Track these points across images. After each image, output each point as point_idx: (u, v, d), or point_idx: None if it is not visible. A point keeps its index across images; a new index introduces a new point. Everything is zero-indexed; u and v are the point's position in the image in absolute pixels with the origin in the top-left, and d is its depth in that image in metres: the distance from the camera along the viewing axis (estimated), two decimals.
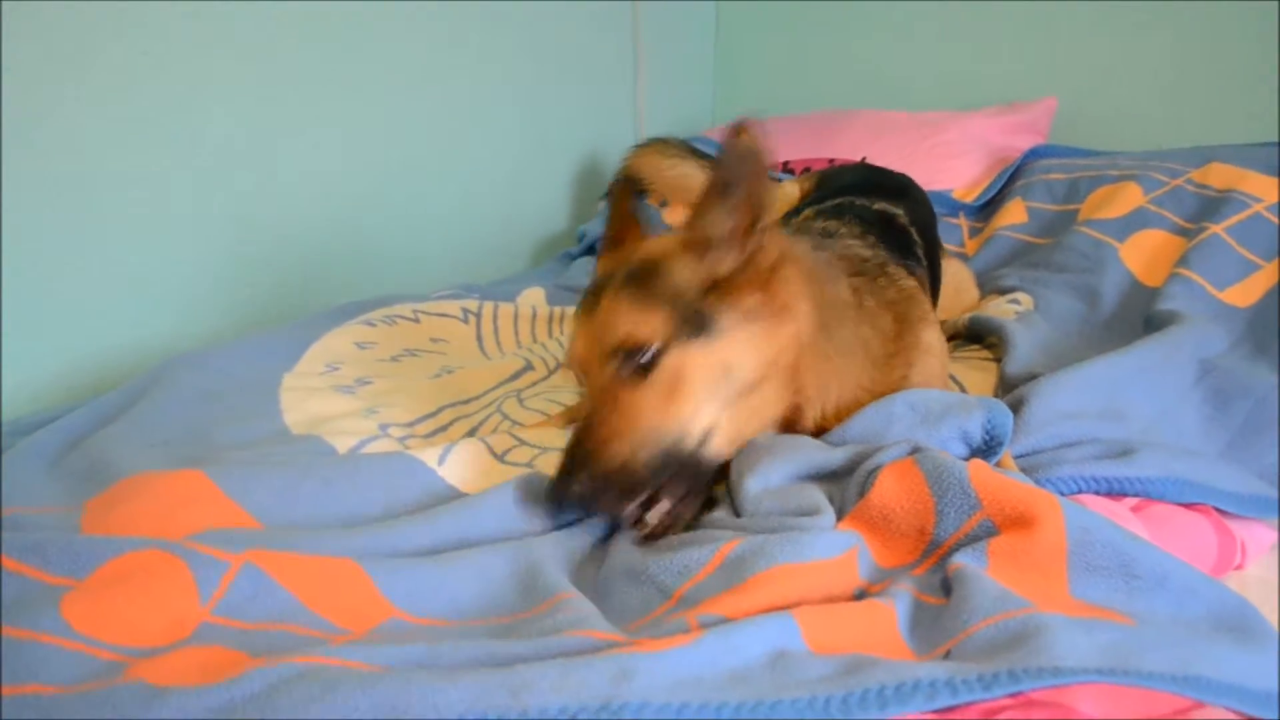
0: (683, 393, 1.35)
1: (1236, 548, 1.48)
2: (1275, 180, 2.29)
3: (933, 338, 1.74)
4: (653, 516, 1.31)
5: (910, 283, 1.75)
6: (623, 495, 1.28)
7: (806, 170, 3.14)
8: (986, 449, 1.43)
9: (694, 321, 1.37)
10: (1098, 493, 1.45)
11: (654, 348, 1.35)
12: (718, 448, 1.40)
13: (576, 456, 1.29)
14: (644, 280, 1.40)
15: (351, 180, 2.61)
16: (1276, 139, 2.53)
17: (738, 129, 1.34)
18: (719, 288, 1.41)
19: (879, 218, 2.01)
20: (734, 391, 1.40)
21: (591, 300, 1.44)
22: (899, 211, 2.08)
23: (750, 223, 1.41)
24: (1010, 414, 1.46)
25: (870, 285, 1.67)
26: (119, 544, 1.09)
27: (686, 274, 1.41)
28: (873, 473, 1.30)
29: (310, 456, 1.46)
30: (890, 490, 1.25)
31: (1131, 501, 1.46)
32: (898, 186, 2.45)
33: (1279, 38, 2.81)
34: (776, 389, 1.47)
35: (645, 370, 1.35)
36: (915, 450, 1.34)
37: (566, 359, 1.48)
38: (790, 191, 2.59)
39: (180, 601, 1.03)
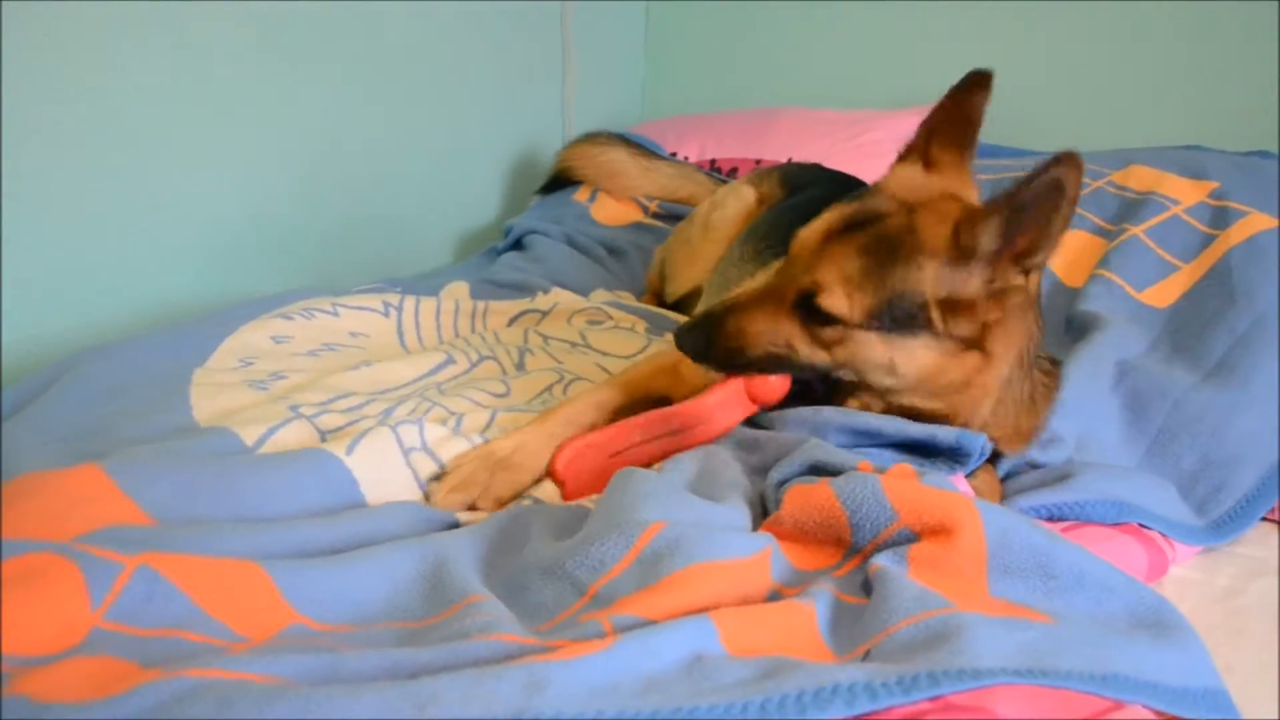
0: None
1: (1166, 561, 1.50)
2: (1193, 182, 2.32)
3: None
4: None
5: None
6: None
7: (734, 171, 3.13)
8: (954, 456, 1.46)
9: (895, 322, 1.38)
10: (1038, 519, 1.45)
11: (838, 323, 1.39)
12: None
13: (712, 331, 1.45)
14: (879, 256, 1.37)
15: (272, 173, 2.55)
16: (1196, 141, 2.57)
17: (1062, 158, 1.27)
18: (946, 306, 1.38)
19: None
20: (881, 386, 1.46)
21: (833, 221, 1.43)
22: None
23: (1022, 253, 1.37)
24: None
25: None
26: (5, 548, 1.03)
27: (929, 281, 1.37)
28: (781, 486, 1.31)
29: (212, 450, 1.41)
30: (799, 507, 1.25)
31: (1062, 525, 1.48)
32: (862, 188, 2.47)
33: (1249, 39, 2.85)
34: (920, 398, 1.49)
35: (817, 327, 1.40)
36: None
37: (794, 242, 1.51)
38: (746, 194, 2.57)
39: (70, 607, 0.98)
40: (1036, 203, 1.31)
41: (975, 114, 1.51)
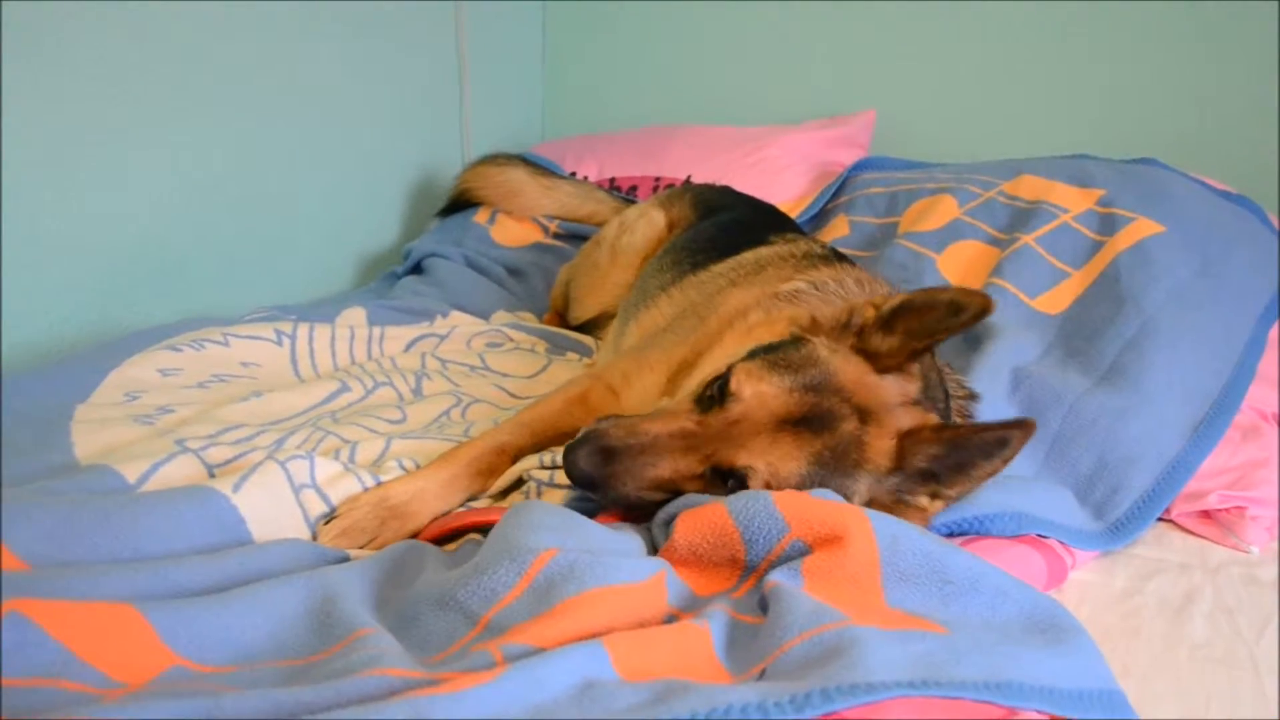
0: None
1: (1065, 568, 1.52)
2: (1081, 190, 2.37)
3: None
4: None
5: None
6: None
7: (634, 189, 3.13)
8: None
9: None
10: (939, 535, 1.46)
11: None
12: None
13: (612, 465, 1.36)
14: (825, 466, 1.35)
15: (163, 197, 2.47)
16: (1083, 151, 2.62)
17: (1019, 424, 1.35)
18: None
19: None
20: None
21: (789, 408, 1.36)
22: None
23: (940, 486, 1.41)
24: None
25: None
26: None
27: (858, 491, 1.38)
28: (671, 520, 1.30)
29: (92, 489, 1.35)
30: (691, 529, 1.25)
31: (961, 539, 1.49)
32: (781, 217, 2.51)
33: (1134, 52, 2.91)
34: None
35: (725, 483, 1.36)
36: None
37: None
38: (656, 219, 2.56)
39: None
40: (979, 451, 1.37)
41: (951, 332, 1.45)
